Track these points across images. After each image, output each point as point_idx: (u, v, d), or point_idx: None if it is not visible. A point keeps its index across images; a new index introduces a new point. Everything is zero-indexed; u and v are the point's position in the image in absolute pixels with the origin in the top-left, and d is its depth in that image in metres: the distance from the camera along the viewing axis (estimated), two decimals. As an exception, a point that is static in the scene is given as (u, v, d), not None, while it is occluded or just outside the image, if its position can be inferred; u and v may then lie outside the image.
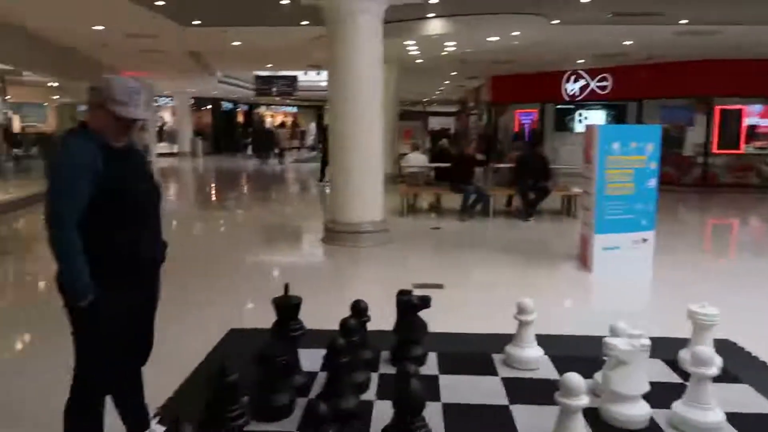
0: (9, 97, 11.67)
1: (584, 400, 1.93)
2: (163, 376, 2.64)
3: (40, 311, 4.80)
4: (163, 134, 26.87)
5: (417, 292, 2.94)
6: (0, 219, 9.38)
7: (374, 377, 2.76)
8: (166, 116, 27.37)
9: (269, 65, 17.71)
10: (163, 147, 25.77)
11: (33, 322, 4.57)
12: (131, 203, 2.05)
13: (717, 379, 2.28)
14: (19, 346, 4.23)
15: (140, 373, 2.34)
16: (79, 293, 1.92)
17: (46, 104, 13.80)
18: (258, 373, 2.54)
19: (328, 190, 14.26)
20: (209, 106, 30.12)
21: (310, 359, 2.96)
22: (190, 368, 3.09)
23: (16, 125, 12.21)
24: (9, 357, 3.99)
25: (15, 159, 11.76)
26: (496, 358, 3.02)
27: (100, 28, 10.73)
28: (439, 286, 5.33)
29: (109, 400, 2.18)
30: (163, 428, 2.37)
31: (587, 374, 2.44)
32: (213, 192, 15.18)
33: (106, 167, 1.98)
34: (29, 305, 5.21)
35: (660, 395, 2.48)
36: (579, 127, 17.17)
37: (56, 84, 13.81)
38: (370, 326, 3.03)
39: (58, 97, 14.28)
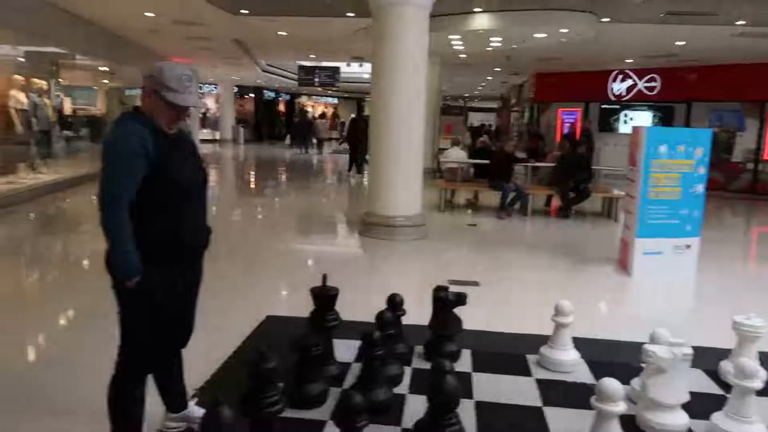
0: (62, 80, 12.03)
1: (621, 407, 1.91)
2: (200, 359, 2.72)
3: (87, 291, 4.97)
4: (206, 121, 27.38)
5: (452, 289, 2.95)
6: (50, 199, 9.73)
7: (407, 371, 2.79)
8: (210, 103, 27.88)
9: (312, 55, 17.83)
10: (205, 133, 26.29)
11: (80, 301, 4.74)
12: (178, 189, 2.10)
13: (760, 393, 2.22)
14: (66, 325, 4.39)
15: (180, 355, 2.41)
16: (127, 273, 1.99)
17: (96, 88, 14.18)
18: (293, 361, 2.59)
19: (353, 181, 14.41)
20: (252, 95, 30.55)
21: (345, 350, 3.00)
22: (227, 353, 3.18)
23: (67, 107, 12.58)
24: (56, 336, 4.15)
25: (66, 140, 12.14)
26: (531, 358, 3.01)
27: (151, 14, 10.99)
28: (475, 284, 5.30)
29: (150, 380, 2.25)
30: (201, 409, 2.44)
31: (624, 380, 2.41)
32: (252, 179, 15.42)
33: (156, 152, 2.03)
34: (77, 285, 5.40)
35: (699, 406, 2.43)
36: (623, 128, 16.76)
37: (106, 68, 14.21)
38: (405, 320, 3.05)
39: (107, 81, 14.67)
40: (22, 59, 10.04)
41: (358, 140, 14.57)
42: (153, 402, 2.28)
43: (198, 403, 2.50)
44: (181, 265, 2.16)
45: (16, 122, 9.78)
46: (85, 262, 6.15)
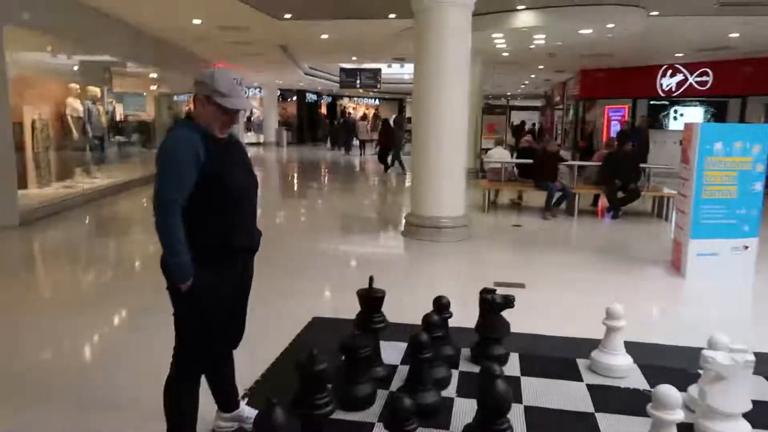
0: (114, 87, 12.47)
1: (680, 415, 1.84)
2: (250, 360, 2.76)
3: (142, 291, 5.14)
4: (250, 124, 27.92)
5: (498, 291, 2.91)
6: (104, 202, 10.10)
7: (455, 374, 2.76)
8: (255, 106, 28.45)
9: (354, 58, 17.95)
10: (250, 137, 26.82)
11: (135, 302, 4.89)
12: (230, 193, 2.14)
13: (830, 403, 2.11)
14: (122, 325, 4.54)
15: (232, 356, 2.45)
16: (180, 277, 2.04)
17: (145, 94, 14.64)
18: (341, 362, 2.60)
19: (392, 178, 14.50)
20: (294, 98, 30.98)
21: (391, 352, 3.00)
22: (276, 353, 3.22)
23: (119, 114, 13.04)
24: (113, 336, 4.30)
25: (118, 145, 12.58)
26: (581, 363, 2.93)
27: (198, 21, 11.28)
28: (521, 286, 5.23)
29: (203, 380, 2.30)
30: (252, 409, 2.48)
31: (680, 387, 2.32)
32: (295, 181, 15.63)
33: (208, 157, 2.08)
34: (132, 286, 5.59)
35: (762, 415, 2.32)
36: (673, 125, 16.24)
37: (155, 75, 14.66)
38: (450, 322, 3.02)
39: (156, 87, 15.13)
40: (77, 68, 10.45)
41: (387, 141, 14.86)
42: (206, 402, 2.33)
43: (248, 403, 2.54)
44: (232, 268, 2.20)
45: (72, 129, 10.20)
46: (139, 264, 6.36)
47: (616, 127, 17.31)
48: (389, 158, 15.92)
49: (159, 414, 2.19)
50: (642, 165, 10.17)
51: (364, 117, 32.63)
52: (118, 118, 12.87)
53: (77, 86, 10.37)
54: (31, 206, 8.13)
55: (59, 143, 10.06)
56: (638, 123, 15.16)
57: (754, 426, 2.18)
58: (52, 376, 3.33)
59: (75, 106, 10.26)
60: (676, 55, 14.30)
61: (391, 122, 16.68)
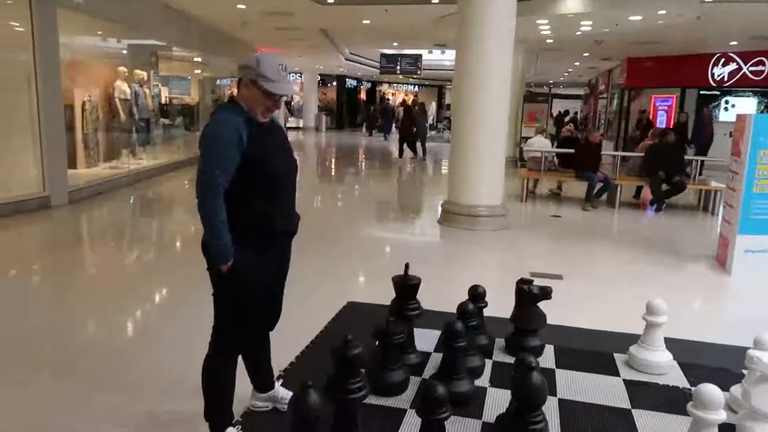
0: (160, 70, 12.74)
1: (722, 415, 1.78)
2: (285, 342, 2.81)
3: (183, 271, 5.28)
4: (291, 109, 28.15)
5: (535, 282, 2.87)
6: (149, 183, 10.38)
7: (488, 364, 2.75)
8: (298, 92, 28.65)
9: (395, 43, 17.86)
10: (290, 121, 27.07)
11: (176, 281, 5.03)
12: (271, 176, 2.17)
13: None
14: (161, 304, 4.67)
15: (269, 337, 2.50)
16: (221, 257, 2.08)
17: (189, 78, 14.90)
18: (375, 348, 2.62)
19: (409, 164, 14.44)
20: (334, 83, 31.06)
21: (425, 339, 3.00)
22: (310, 336, 3.27)
23: (164, 97, 13.33)
24: (155, 314, 4.43)
25: (163, 128, 12.87)
26: (618, 358, 2.87)
27: (242, 6, 11.39)
28: (558, 277, 5.15)
29: (240, 361, 2.35)
30: (286, 390, 2.53)
31: (722, 386, 2.25)
32: (333, 166, 15.71)
33: (250, 141, 2.11)
34: (173, 265, 5.74)
35: (809, 420, 2.24)
36: (724, 116, 15.63)
37: (199, 59, 14.90)
38: (486, 312, 3.00)
39: (200, 71, 15.38)
40: (125, 51, 10.71)
41: (410, 128, 15.55)
42: (242, 381, 2.38)
43: (283, 385, 2.59)
44: (272, 250, 2.23)
45: (120, 111, 10.48)
46: (181, 244, 6.52)
47: (662, 118, 16.78)
48: (409, 144, 16.04)
49: (198, 392, 2.25)
50: (689, 157, 9.84)
51: (404, 103, 32.51)
52: (163, 101, 13.16)
53: (125, 70, 10.63)
54: (80, 185, 8.41)
55: (107, 125, 10.36)
56: (703, 115, 14.48)
57: (799, 430, 2.10)
58: (92, 353, 3.46)
59: (123, 88, 10.54)
60: (731, 43, 13.71)
61: (411, 110, 16.66)
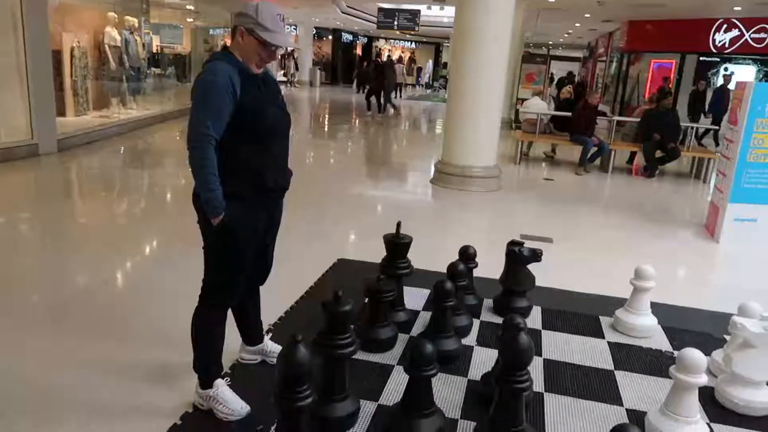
0: (151, 18, 12.39)
1: (703, 379, 1.83)
2: (275, 297, 2.82)
3: (173, 224, 5.25)
4: (297, 63, 27.50)
5: (526, 245, 2.88)
6: (139, 134, 10.23)
7: (476, 323, 2.79)
8: (295, 45, 27.98)
9: (394, -3, 17.45)
10: (295, 76, 26.49)
11: (166, 234, 5.01)
12: (264, 128, 2.13)
13: None
14: (151, 256, 4.67)
15: (258, 292, 2.50)
16: (212, 209, 2.06)
17: (181, 26, 14.52)
18: (365, 305, 2.65)
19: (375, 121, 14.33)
20: (330, 37, 30.42)
21: (414, 298, 3.03)
22: (300, 292, 3.29)
23: (155, 45, 13.01)
24: (144, 267, 4.42)
25: (154, 77, 12.62)
26: (604, 321, 2.93)
27: (235, -47, 11.02)
28: (548, 240, 5.18)
29: (230, 314, 2.35)
30: (275, 344, 2.55)
31: (704, 351, 2.30)
32: (326, 123, 15.53)
33: (243, 92, 2.06)
34: (162, 217, 5.71)
35: (788, 385, 2.30)
36: (721, 83, 15.51)
37: (192, 7, 14.48)
38: (475, 272, 3.03)
39: (192, 20, 14.98)
40: (115, -4, 10.39)
41: (379, 84, 15.57)
42: (231, 334, 2.39)
43: (272, 338, 2.61)
44: (263, 204, 2.21)
45: (110, 58, 10.24)
46: (171, 195, 6.48)
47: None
48: (379, 100, 16.00)
49: (187, 344, 2.26)
50: (685, 125, 9.79)
51: (400, 59, 31.97)
52: (154, 50, 12.85)
53: (115, 15, 10.33)
54: (69, 134, 8.27)
55: (97, 72, 10.13)
56: (723, 83, 14.05)
57: (777, 395, 2.16)
58: (82, 302, 3.46)
59: (113, 35, 10.27)
60: (735, 8, 13.47)
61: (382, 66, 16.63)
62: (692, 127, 10.16)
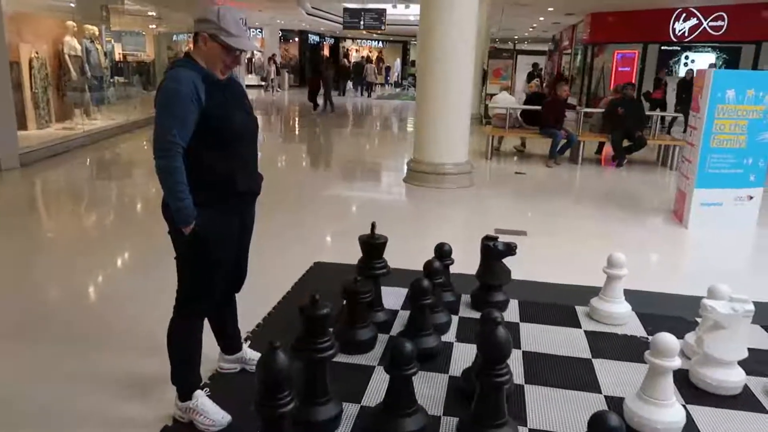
0: (112, 26, 12.16)
1: (677, 362, 1.87)
2: (252, 304, 2.80)
3: (144, 234, 5.16)
4: (251, 66, 27.35)
5: (500, 239, 2.91)
6: (104, 144, 10.02)
7: (455, 320, 2.80)
8: (258, 48, 27.77)
9: (358, -3, 17.43)
10: (251, 79, 26.32)
11: (138, 244, 4.92)
12: (231, 134, 2.11)
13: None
14: (123, 268, 4.58)
15: (234, 299, 2.47)
16: (183, 219, 2.03)
17: (144, 33, 14.28)
18: (343, 307, 2.64)
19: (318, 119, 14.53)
20: (296, 39, 30.25)
21: (392, 297, 3.04)
22: (277, 297, 3.26)
23: (118, 53, 12.76)
24: (117, 277, 4.34)
25: (117, 86, 12.38)
26: (580, 310, 2.97)
27: (196, -43, 10.88)
28: (522, 233, 5.23)
29: (207, 323, 2.32)
30: (254, 351, 2.53)
31: (677, 334, 2.35)
32: (296, 125, 15.45)
33: (208, 99, 2.03)
34: (134, 228, 5.61)
35: (758, 363, 2.36)
36: (683, 72, 15.86)
37: (154, 13, 14.25)
38: (452, 269, 3.04)
39: (155, 26, 14.74)
40: (74, 5, 10.16)
41: (314, 82, 16.75)
42: (209, 344, 2.36)
43: (251, 346, 2.59)
44: (235, 211, 2.19)
45: (70, 68, 10.01)
46: (141, 206, 6.37)
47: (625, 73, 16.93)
48: (315, 99, 16.78)
49: (164, 356, 2.23)
50: (650, 113, 9.99)
51: (369, 59, 31.98)
52: (117, 58, 12.61)
53: (74, 24, 10.11)
54: (31, 147, 8.07)
55: (58, 83, 9.89)
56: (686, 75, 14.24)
57: (748, 373, 2.22)
58: (54, 317, 3.38)
59: (72, 44, 10.04)
60: (692, -3, 13.83)
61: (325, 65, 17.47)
62: (658, 116, 10.37)
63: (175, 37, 15.63)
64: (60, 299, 3.75)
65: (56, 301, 3.73)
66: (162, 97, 2.02)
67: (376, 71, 29.43)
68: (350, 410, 2.03)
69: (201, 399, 2.18)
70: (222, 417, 2.13)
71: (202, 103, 2.02)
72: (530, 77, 16.52)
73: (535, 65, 20.90)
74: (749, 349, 2.22)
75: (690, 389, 2.19)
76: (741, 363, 2.20)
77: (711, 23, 14.73)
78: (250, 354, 2.51)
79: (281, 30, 27.91)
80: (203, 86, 2.02)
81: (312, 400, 1.86)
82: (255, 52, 27.38)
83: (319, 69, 16.53)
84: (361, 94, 25.12)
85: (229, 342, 2.49)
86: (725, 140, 5.41)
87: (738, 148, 5.43)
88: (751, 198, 5.60)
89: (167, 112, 1.99)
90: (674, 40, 15.58)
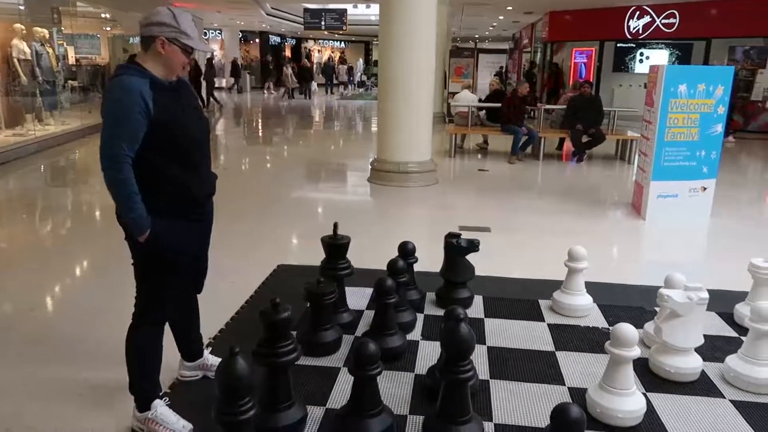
0: (64, 28, 11.79)
1: (636, 352, 1.90)
2: (214, 309, 2.74)
3: (100, 241, 5.02)
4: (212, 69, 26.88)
5: (464, 235, 2.92)
6: (58, 150, 9.72)
7: (420, 318, 2.79)
8: (216, 49, 27.35)
9: (318, -3, 17.34)
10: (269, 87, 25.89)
11: (94, 252, 4.78)
12: (184, 139, 2.06)
13: (777, 337, 2.21)
14: (80, 276, 4.44)
15: (196, 304, 2.42)
16: (137, 229, 1.97)
17: (98, 36, 13.90)
18: (307, 309, 2.60)
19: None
20: (257, 40, 29.92)
21: (357, 297, 3.01)
22: (240, 302, 3.20)
23: (71, 57, 12.39)
24: (73, 286, 4.20)
25: (71, 90, 12.01)
26: (543, 304, 3.00)
27: (150, -43, 10.64)
28: (486, 230, 5.28)
29: (167, 330, 2.26)
30: (216, 358, 2.48)
31: (637, 324, 2.40)
32: (258, 127, 15.28)
33: (156, 104, 1.97)
34: (90, 235, 5.45)
35: (713, 348, 2.42)
36: (639, 68, 16.29)
37: (108, 15, 13.90)
38: (416, 267, 3.04)
39: (110, 28, 14.38)
40: (22, 7, 9.81)
41: (198, 82, 17.17)
42: (169, 351, 2.30)
43: (212, 352, 2.53)
44: (191, 214, 2.14)
45: (20, 72, 9.66)
46: (97, 213, 6.19)
47: (582, 70, 17.30)
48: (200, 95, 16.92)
49: (121, 365, 2.16)
50: (607, 108, 10.21)
51: (330, 59, 31.89)
52: (70, 62, 12.24)
53: (22, 27, 9.76)
54: (-19, 155, 7.77)
55: (7, 88, 9.55)
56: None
57: (704, 359, 2.27)
58: (11, 328, 3.26)
59: (21, 47, 9.69)
60: (644, -5, 14.21)
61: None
62: (614, 111, 10.61)
63: (131, 40, 15.27)
64: (15, 311, 3.61)
65: (10, 313, 3.59)
66: (109, 106, 1.95)
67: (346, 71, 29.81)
68: (315, 413, 2.00)
69: (160, 408, 2.12)
70: (183, 426, 2.07)
71: (151, 112, 1.95)
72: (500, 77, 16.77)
73: (501, 68, 21.28)
74: (705, 336, 2.27)
75: (650, 377, 2.23)
76: (698, 350, 2.25)
77: (663, 20, 15.16)
78: (212, 360, 2.46)
79: (241, 31, 27.55)
80: (151, 93, 1.96)
81: (274, 405, 1.82)
82: (215, 53, 27.02)
83: (199, 69, 17.07)
84: (332, 93, 26.26)
85: (192, 347, 2.44)
86: (679, 133, 5.56)
87: (691, 141, 5.59)
88: (705, 189, 5.78)
89: (114, 122, 1.93)
90: (629, 37, 15.98)
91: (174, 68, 2.06)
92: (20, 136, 9.38)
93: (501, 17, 20.62)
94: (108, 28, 14.25)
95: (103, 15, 13.71)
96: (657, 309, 2.58)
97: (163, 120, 1.98)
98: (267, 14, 20.36)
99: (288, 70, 23.70)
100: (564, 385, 2.19)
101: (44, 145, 9.48)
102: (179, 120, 2.05)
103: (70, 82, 11.90)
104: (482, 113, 10.65)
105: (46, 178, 8.18)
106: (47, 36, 10.51)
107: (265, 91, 25.18)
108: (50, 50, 10.57)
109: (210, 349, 2.56)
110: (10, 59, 9.52)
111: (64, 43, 11.77)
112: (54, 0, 10.88)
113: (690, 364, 2.19)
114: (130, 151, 1.94)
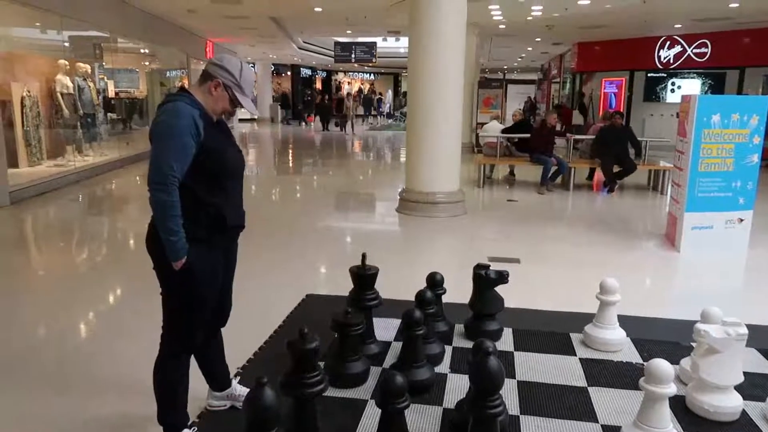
0: (105, 63, 12.27)
1: (672, 389, 1.83)
2: (242, 338, 2.75)
3: (134, 271, 5.11)
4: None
5: (493, 266, 2.89)
6: (97, 181, 10.02)
7: (448, 350, 2.76)
8: (256, 113, 28.04)
9: (349, 31, 17.71)
10: (243, 113, 26.51)
11: (127, 281, 4.87)
12: (224, 170, 2.12)
13: (823, 376, 2.11)
14: (113, 305, 4.52)
15: (221, 334, 2.44)
16: (176, 254, 2.01)
17: (137, 70, 14.42)
18: (334, 340, 2.59)
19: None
20: (288, 72, 30.62)
21: (384, 329, 2.99)
22: (268, 331, 3.21)
23: (111, 90, 12.86)
24: (106, 315, 4.28)
25: (110, 123, 12.44)
26: (575, 337, 2.93)
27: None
28: (516, 261, 5.22)
29: (194, 360, 2.28)
30: (244, 388, 2.48)
31: (673, 360, 2.31)
32: (289, 158, 15.52)
33: (205, 134, 2.04)
34: (123, 265, 5.56)
35: (753, 386, 2.32)
36: (671, 97, 16.13)
37: (147, 51, 14.43)
38: (445, 298, 3.01)
39: (148, 63, 14.91)
40: (66, 44, 10.26)
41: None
42: (196, 380, 2.32)
43: (240, 382, 2.54)
44: (222, 245, 2.17)
45: (62, 106, 10.06)
46: (133, 243, 6.33)
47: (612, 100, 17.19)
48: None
49: (149, 395, 2.18)
50: (641, 139, 10.09)
51: (373, 92, 32.53)
52: (110, 95, 12.70)
53: (66, 63, 10.19)
54: (22, 185, 8.05)
55: (50, 121, 9.93)
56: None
57: (745, 398, 2.18)
58: (43, 356, 3.32)
59: (65, 82, 10.11)
60: (675, 26, 14.12)
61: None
62: (646, 141, 10.47)
63: (168, 74, 15.80)
64: (45, 338, 3.69)
65: (42, 339, 3.67)
66: (162, 128, 2.01)
67: (359, 105, 28.28)
68: (342, 446, 1.97)
69: (188, 438, 2.13)
70: (210, 456, 2.07)
71: (201, 135, 2.02)
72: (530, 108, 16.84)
73: (529, 98, 21.35)
74: (745, 373, 2.19)
75: (688, 416, 2.14)
76: (738, 388, 2.17)
77: (695, 50, 15.04)
78: (240, 390, 2.46)
79: (273, 64, 28.27)
80: (201, 122, 2.03)
81: (302, 437, 1.81)
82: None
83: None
84: (342, 130, 22.91)
85: (218, 378, 2.45)
86: (713, 164, 5.46)
87: (726, 171, 5.47)
88: (742, 221, 5.63)
89: (166, 145, 1.98)
90: (660, 67, 15.87)
91: (215, 111, 2.13)
92: (61, 166, 9.72)
93: (529, 48, 20.74)
94: (146, 63, 14.78)
95: (142, 50, 14.22)
96: (693, 344, 2.50)
97: (210, 146, 2.05)
98: (299, 48, 20.88)
99: (349, 102, 22.57)
100: (597, 422, 2.12)
101: (83, 176, 9.80)
102: (223, 149, 2.12)
103: (109, 114, 12.32)
104: (511, 144, 10.62)
105: (83, 207, 8.43)
106: (89, 71, 10.95)
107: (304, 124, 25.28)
108: (92, 84, 10.99)
109: (238, 378, 2.57)
110: (54, 93, 9.93)
111: (105, 78, 12.24)
112: (96, 36, 11.35)
113: (730, 403, 2.10)
114: (180, 173, 1.99)
